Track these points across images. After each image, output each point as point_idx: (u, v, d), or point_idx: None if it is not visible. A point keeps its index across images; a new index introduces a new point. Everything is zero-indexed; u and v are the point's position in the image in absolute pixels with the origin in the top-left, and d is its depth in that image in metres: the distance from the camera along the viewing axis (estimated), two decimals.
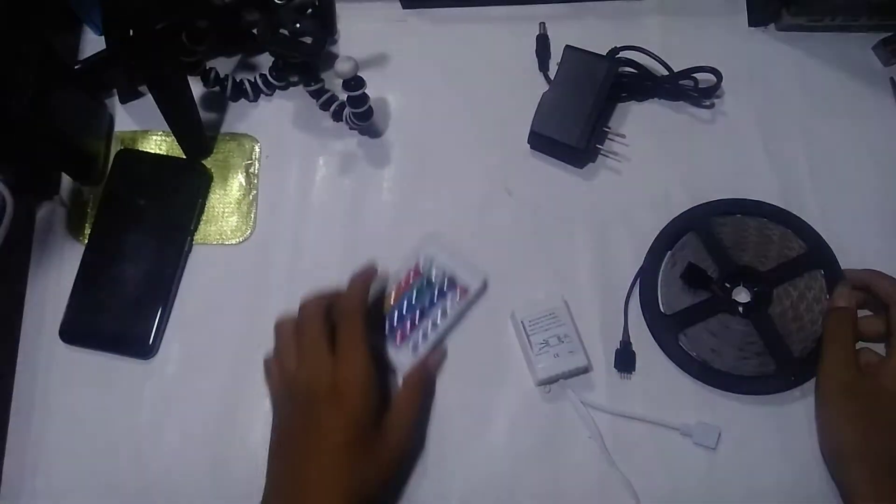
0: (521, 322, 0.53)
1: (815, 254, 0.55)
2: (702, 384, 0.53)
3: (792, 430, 0.52)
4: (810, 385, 0.52)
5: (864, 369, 0.50)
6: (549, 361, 0.51)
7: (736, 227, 0.55)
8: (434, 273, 0.54)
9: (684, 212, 0.56)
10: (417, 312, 0.54)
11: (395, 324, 0.54)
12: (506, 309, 0.55)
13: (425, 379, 0.52)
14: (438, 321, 0.53)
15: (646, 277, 0.55)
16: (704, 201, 0.57)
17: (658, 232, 0.56)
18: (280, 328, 0.51)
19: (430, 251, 0.55)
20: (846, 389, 0.49)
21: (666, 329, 0.54)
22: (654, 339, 0.54)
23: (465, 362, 0.54)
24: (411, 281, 0.54)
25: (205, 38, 0.56)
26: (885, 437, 0.47)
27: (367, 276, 0.52)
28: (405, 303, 0.54)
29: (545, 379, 0.52)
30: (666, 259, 0.56)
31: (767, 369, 0.52)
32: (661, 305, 0.54)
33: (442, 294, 0.54)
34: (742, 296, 0.54)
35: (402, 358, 0.53)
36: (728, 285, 0.54)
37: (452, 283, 0.54)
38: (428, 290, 0.54)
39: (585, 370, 0.53)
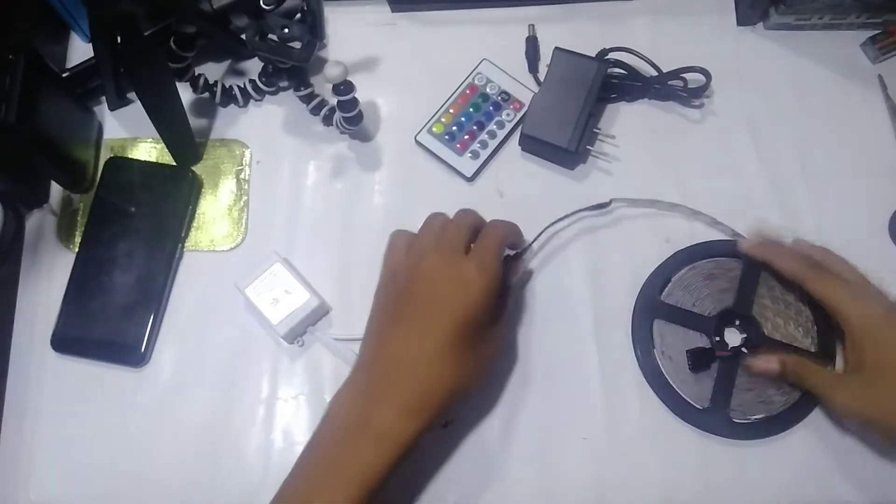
0: (244, 291, 0.53)
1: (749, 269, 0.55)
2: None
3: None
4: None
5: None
6: (284, 315, 0.53)
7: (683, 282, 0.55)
8: (489, 88, 0.59)
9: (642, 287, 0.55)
10: (475, 125, 0.59)
11: (456, 135, 0.58)
12: None
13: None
14: (496, 131, 0.58)
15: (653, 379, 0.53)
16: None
17: (631, 315, 0.55)
18: (433, 218, 0.51)
19: (484, 70, 0.60)
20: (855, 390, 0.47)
21: (709, 418, 0.52)
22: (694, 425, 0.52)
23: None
24: (468, 96, 0.60)
25: (193, 44, 0.56)
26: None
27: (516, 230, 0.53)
28: (463, 117, 0.59)
29: (288, 333, 0.53)
30: (658, 356, 0.54)
31: (786, 401, 0.52)
32: (686, 398, 0.52)
33: (497, 107, 0.58)
34: (733, 338, 0.54)
35: (465, 165, 0.58)
36: (718, 339, 0.53)
37: (507, 97, 0.58)
38: (485, 104, 0.59)
39: (324, 310, 0.55)
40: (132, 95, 0.61)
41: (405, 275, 0.48)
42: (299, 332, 0.54)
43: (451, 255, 0.47)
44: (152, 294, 0.55)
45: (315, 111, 0.59)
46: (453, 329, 0.45)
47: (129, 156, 0.60)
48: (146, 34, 0.52)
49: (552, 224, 0.55)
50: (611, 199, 0.56)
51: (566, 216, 0.56)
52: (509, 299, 0.52)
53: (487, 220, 0.52)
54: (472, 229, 0.50)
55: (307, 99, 0.59)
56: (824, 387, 0.48)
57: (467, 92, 0.60)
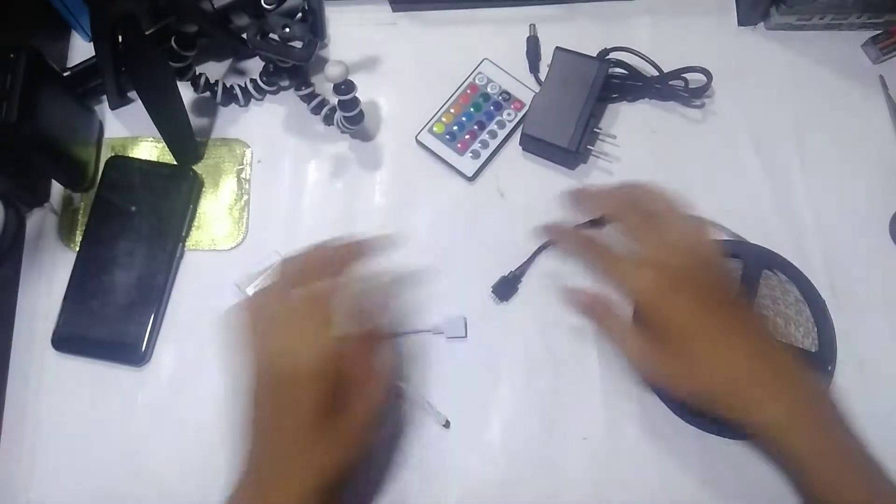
0: (245, 291, 0.53)
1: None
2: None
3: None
4: None
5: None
6: None
7: None
8: (490, 88, 0.59)
9: None
10: (475, 125, 0.58)
11: (457, 134, 0.58)
12: (498, 306, 0.55)
13: (393, 369, 0.51)
14: (497, 131, 0.58)
15: None
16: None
17: None
18: (273, 289, 0.46)
19: (485, 70, 0.59)
20: (657, 355, 0.44)
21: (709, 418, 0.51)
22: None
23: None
24: (469, 96, 0.59)
25: (194, 44, 0.56)
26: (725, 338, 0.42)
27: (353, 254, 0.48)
28: (464, 116, 0.59)
29: None
30: None
31: None
32: None
33: (498, 107, 0.58)
34: None
35: (465, 165, 0.58)
36: None
37: (508, 97, 0.58)
38: (486, 103, 0.59)
39: None
40: (133, 94, 0.61)
41: (249, 369, 0.45)
42: None
43: (306, 344, 0.43)
44: (153, 293, 0.55)
45: (316, 110, 0.59)
46: (302, 422, 0.43)
47: (130, 155, 0.60)
48: (147, 33, 0.52)
49: (541, 248, 0.56)
50: (603, 216, 0.56)
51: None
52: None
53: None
54: (334, 297, 0.45)
55: (308, 98, 0.59)
56: (621, 342, 0.45)
57: (468, 91, 0.60)
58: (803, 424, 0.40)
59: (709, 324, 0.42)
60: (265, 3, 0.54)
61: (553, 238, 0.51)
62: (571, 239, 0.48)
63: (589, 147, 0.58)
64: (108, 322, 0.55)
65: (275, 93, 0.61)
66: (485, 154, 0.58)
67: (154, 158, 0.60)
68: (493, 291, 0.55)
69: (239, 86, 0.60)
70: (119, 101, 0.61)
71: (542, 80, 0.59)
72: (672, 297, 0.42)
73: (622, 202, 0.46)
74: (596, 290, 0.47)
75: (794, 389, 0.41)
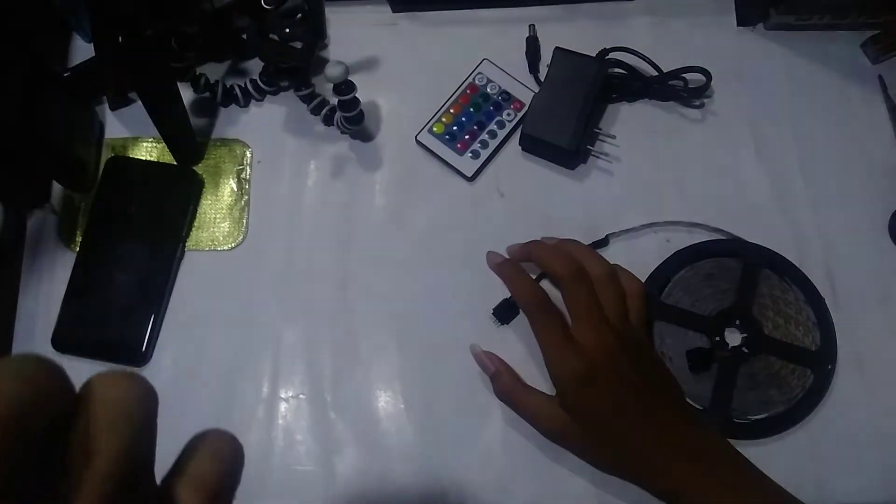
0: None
1: (750, 262, 0.55)
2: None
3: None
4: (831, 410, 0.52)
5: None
6: None
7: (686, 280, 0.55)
8: (490, 88, 0.59)
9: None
10: (475, 125, 0.59)
11: (457, 135, 0.58)
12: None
13: None
14: (497, 131, 0.58)
15: None
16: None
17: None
18: None
19: (485, 70, 0.60)
20: (566, 424, 0.48)
21: (709, 418, 0.52)
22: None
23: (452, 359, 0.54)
24: (469, 96, 0.60)
25: (194, 44, 0.56)
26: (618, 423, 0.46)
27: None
28: (464, 117, 0.59)
29: None
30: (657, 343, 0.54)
31: (787, 401, 0.52)
32: (686, 398, 0.51)
33: (498, 107, 0.58)
34: (734, 338, 0.53)
35: (465, 165, 0.58)
36: (718, 338, 0.53)
37: (507, 97, 0.58)
38: (485, 104, 0.59)
39: None
40: (133, 95, 0.61)
41: None
42: None
43: None
44: (153, 293, 0.55)
45: (316, 111, 0.59)
46: None
47: (131, 155, 0.60)
48: (147, 34, 0.52)
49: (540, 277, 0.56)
50: (607, 235, 0.57)
51: None
52: None
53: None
54: None
55: (308, 99, 0.59)
56: (532, 413, 0.50)
57: (468, 92, 0.60)
58: (697, 488, 0.44)
59: (619, 410, 0.46)
60: (265, 3, 0.54)
61: (510, 288, 0.53)
62: (523, 294, 0.51)
63: (588, 147, 0.58)
64: (109, 323, 0.55)
65: (275, 93, 0.61)
66: (484, 154, 0.58)
67: (154, 159, 0.60)
68: (493, 314, 0.55)
69: (239, 86, 0.60)
70: (119, 102, 0.61)
71: (542, 80, 0.59)
72: (590, 389, 0.46)
73: (564, 264, 0.49)
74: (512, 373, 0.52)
75: (688, 459, 0.45)
